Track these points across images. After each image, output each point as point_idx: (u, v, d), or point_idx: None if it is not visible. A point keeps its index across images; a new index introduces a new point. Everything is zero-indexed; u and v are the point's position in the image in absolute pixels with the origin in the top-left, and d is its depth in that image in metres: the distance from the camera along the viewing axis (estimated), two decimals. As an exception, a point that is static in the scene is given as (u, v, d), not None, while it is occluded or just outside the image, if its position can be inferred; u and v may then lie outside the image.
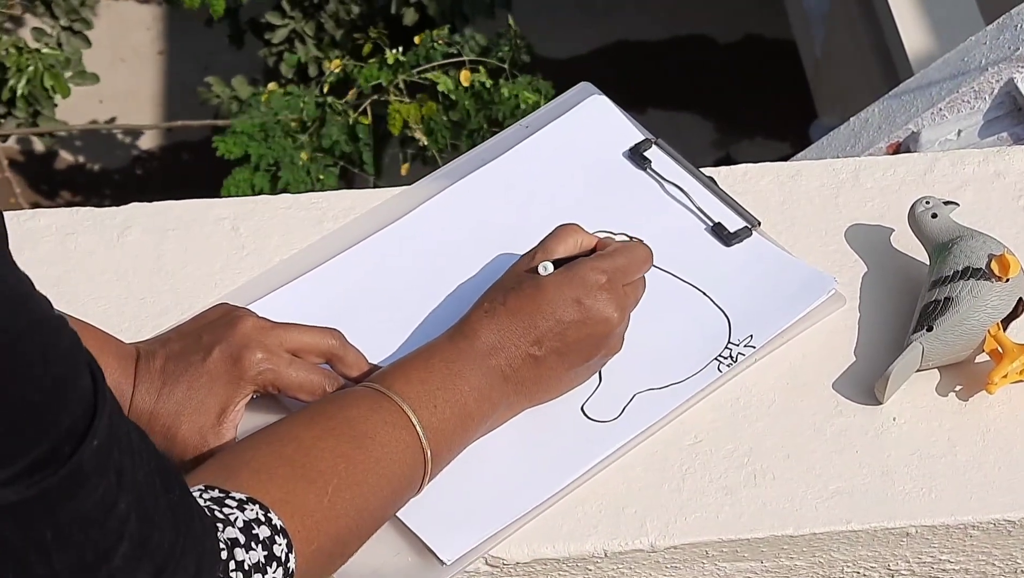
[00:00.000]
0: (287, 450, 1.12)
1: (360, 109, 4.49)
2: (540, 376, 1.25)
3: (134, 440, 0.92)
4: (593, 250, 1.30)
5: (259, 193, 4.33)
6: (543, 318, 1.24)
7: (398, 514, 1.22)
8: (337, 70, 4.57)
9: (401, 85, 4.44)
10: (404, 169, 4.62)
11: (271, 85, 4.74)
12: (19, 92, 4.62)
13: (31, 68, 4.60)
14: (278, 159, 4.40)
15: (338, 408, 1.18)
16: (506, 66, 4.46)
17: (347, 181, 4.63)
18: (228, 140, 4.43)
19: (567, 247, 1.29)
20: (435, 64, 4.42)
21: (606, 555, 1.24)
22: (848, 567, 1.28)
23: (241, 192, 4.36)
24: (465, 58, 4.45)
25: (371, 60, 4.54)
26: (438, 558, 1.21)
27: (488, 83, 4.33)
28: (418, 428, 1.17)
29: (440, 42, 4.46)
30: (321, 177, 4.45)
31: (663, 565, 1.25)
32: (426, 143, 4.39)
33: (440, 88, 4.35)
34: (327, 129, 4.47)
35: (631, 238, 1.41)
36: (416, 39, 4.53)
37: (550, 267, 1.26)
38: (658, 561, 1.25)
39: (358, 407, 1.18)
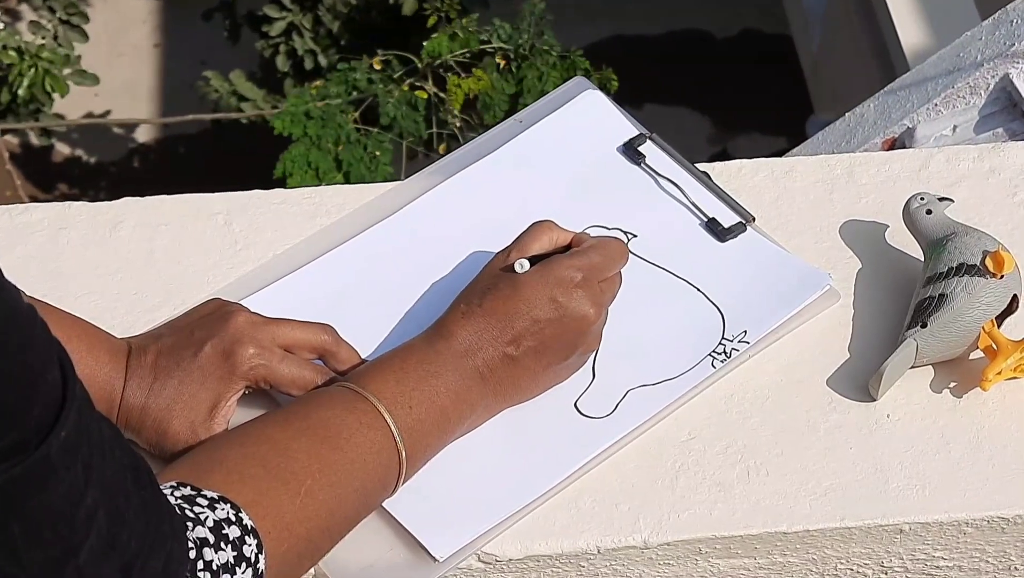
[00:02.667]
0: (261, 449, 1.12)
1: (410, 83, 4.54)
2: (517, 376, 1.25)
3: (105, 435, 0.91)
4: (568, 247, 1.29)
5: (316, 168, 4.40)
6: (520, 318, 1.23)
7: (390, 510, 1.22)
8: (378, 66, 4.61)
9: (452, 62, 4.49)
10: (442, 149, 4.65)
11: (317, 82, 4.78)
12: (21, 95, 4.64)
13: (32, 72, 4.62)
14: (336, 137, 4.45)
15: (313, 408, 1.18)
16: (527, 50, 4.51)
17: (402, 156, 4.65)
18: (285, 118, 4.50)
19: (542, 244, 1.28)
20: (477, 50, 4.48)
21: (599, 552, 1.24)
22: (841, 564, 1.28)
23: (297, 167, 4.41)
24: (496, 45, 4.50)
25: (435, 34, 4.58)
26: (431, 555, 1.21)
27: (523, 63, 4.39)
28: (393, 429, 1.17)
29: (472, 30, 4.52)
30: (377, 153, 4.49)
31: (656, 561, 1.25)
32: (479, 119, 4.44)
33: (497, 59, 4.41)
34: (383, 108, 4.51)
35: (626, 234, 1.41)
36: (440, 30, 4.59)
37: (526, 264, 1.25)
38: (651, 558, 1.25)
39: (333, 407, 1.17)
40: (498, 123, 1.50)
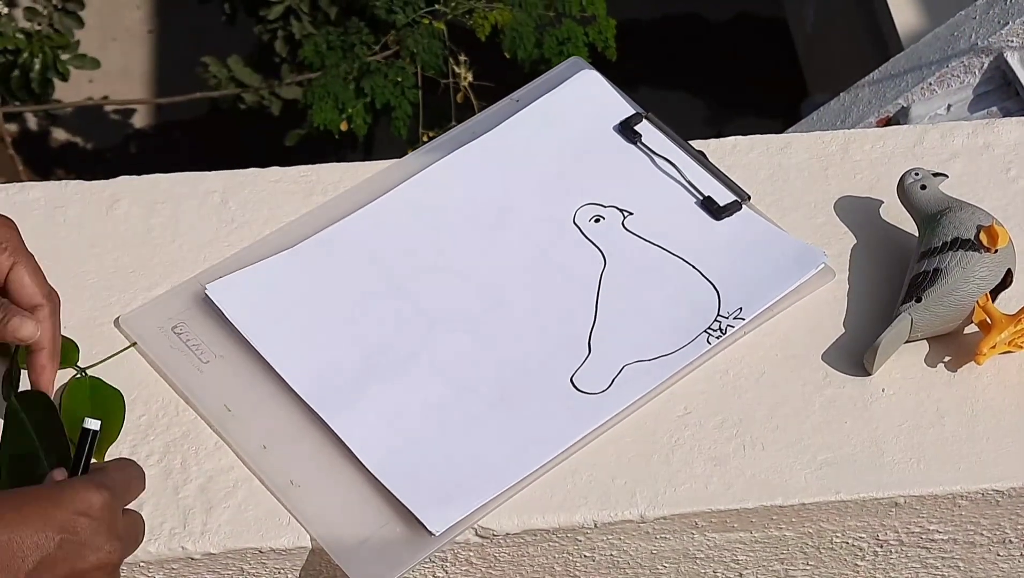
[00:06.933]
0: None
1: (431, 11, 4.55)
2: None
3: None
4: None
5: (341, 104, 4.43)
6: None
7: (387, 484, 1.22)
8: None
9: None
10: (459, 97, 4.64)
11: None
12: (33, 78, 4.64)
13: (42, 56, 4.63)
14: (360, 66, 4.48)
15: None
16: None
17: (425, 88, 4.64)
18: (309, 49, 4.54)
19: None
20: None
21: (596, 526, 1.24)
22: (837, 537, 1.29)
23: (318, 97, 4.43)
24: None
25: None
26: (427, 529, 1.21)
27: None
28: None
29: None
30: (399, 80, 4.49)
31: (652, 535, 1.26)
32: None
33: None
34: (407, 41, 4.51)
35: (622, 212, 1.41)
36: None
37: None
38: (647, 532, 1.25)
39: None
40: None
